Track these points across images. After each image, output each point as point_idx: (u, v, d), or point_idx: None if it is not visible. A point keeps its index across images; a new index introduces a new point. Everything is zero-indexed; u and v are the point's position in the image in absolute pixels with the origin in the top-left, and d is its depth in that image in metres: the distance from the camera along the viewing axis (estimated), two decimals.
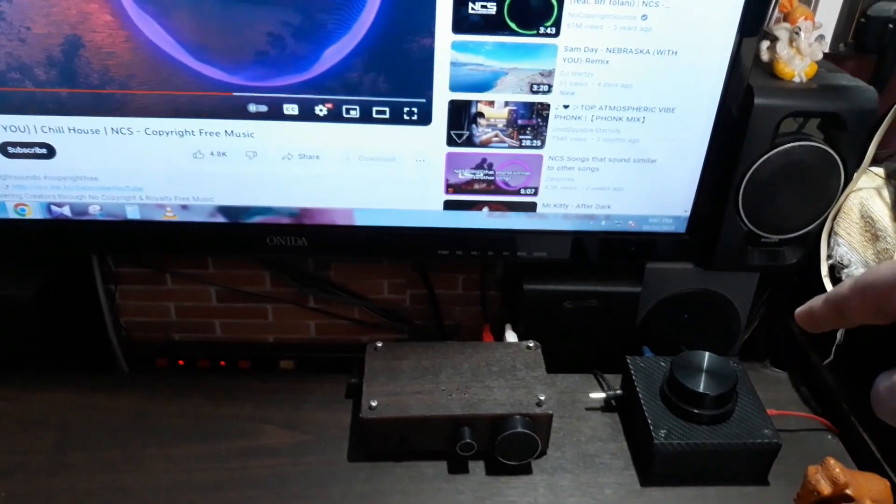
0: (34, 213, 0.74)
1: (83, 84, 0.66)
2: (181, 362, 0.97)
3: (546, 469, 0.73)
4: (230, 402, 0.79)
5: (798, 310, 0.40)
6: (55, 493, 0.68)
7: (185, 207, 0.74)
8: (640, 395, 0.74)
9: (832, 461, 0.65)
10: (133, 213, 0.75)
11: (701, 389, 0.70)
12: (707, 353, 0.73)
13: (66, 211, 0.74)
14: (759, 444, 0.70)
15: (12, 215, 0.74)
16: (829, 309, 0.38)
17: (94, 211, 0.74)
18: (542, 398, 0.71)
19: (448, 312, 0.96)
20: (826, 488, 0.64)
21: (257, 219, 0.75)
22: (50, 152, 0.70)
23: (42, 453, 0.72)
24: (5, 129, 0.69)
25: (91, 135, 0.69)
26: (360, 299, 0.94)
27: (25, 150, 0.70)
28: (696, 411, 0.71)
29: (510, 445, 0.70)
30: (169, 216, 0.75)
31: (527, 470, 0.72)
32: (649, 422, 0.71)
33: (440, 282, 0.94)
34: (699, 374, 0.72)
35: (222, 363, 0.97)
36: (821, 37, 0.71)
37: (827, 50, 0.72)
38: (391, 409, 0.70)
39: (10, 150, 0.70)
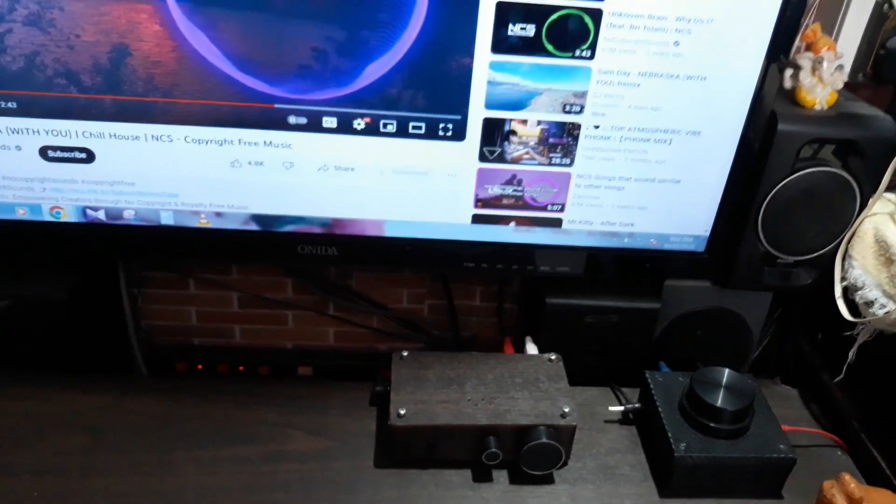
0: (69, 216, 0.75)
1: (127, 91, 0.68)
2: (200, 367, 0.98)
3: (568, 479, 0.75)
4: (255, 407, 0.80)
5: None
6: (87, 493, 0.69)
7: (219, 215, 0.76)
8: (659, 409, 0.76)
9: (847, 476, 0.67)
10: (167, 219, 0.76)
11: (720, 404, 0.73)
12: (726, 370, 0.75)
13: (101, 215, 0.75)
14: (774, 459, 0.72)
15: (47, 218, 0.75)
16: None
17: (129, 216, 0.76)
18: (567, 410, 0.73)
19: (465, 323, 0.98)
20: (841, 503, 0.66)
21: (289, 227, 0.77)
22: (89, 157, 0.72)
23: (73, 455, 0.73)
24: (47, 133, 0.70)
25: (131, 141, 0.71)
26: (380, 308, 0.96)
27: (65, 155, 0.71)
28: (714, 425, 0.73)
29: (535, 455, 0.72)
30: (203, 223, 0.76)
31: (549, 480, 0.74)
32: (669, 434, 0.73)
33: (458, 293, 0.95)
34: (718, 389, 0.74)
35: (241, 368, 0.98)
36: (841, 66, 0.74)
37: (847, 79, 0.74)
38: (419, 417, 0.72)
39: (50, 153, 0.71)
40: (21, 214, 0.75)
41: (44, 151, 0.71)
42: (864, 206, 0.77)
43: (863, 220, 0.78)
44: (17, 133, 0.70)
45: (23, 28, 0.64)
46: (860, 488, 0.67)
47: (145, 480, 0.71)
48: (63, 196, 0.74)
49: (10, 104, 0.68)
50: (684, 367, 0.83)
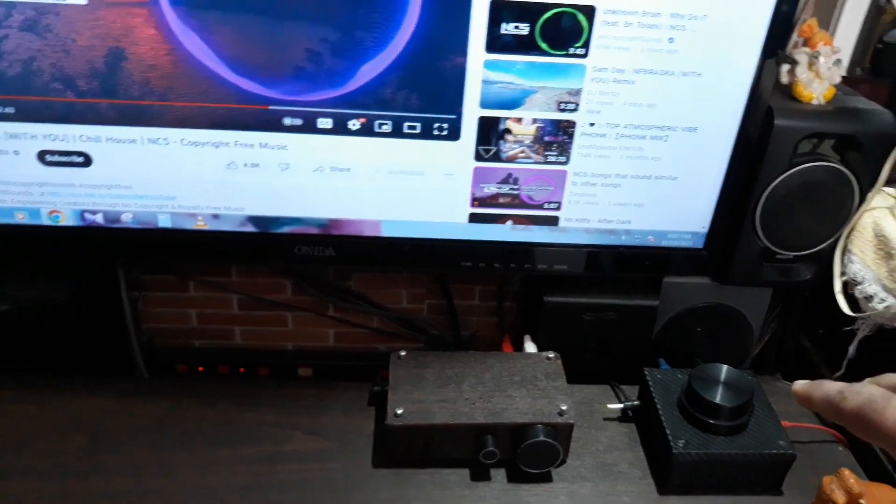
0: (67, 219, 0.76)
1: (123, 95, 0.68)
2: (201, 368, 0.98)
3: (566, 477, 0.74)
4: (254, 409, 0.80)
5: (799, 387, 0.44)
6: (87, 494, 0.70)
7: (216, 217, 0.76)
8: (658, 406, 0.76)
9: (847, 472, 0.67)
10: (165, 222, 0.76)
11: (718, 401, 0.72)
12: (724, 366, 0.75)
13: (100, 218, 0.76)
14: (774, 455, 0.72)
15: (46, 222, 0.76)
16: (826, 408, 0.42)
17: (127, 219, 0.76)
18: (564, 408, 0.73)
19: (464, 323, 0.98)
20: (841, 498, 0.66)
21: (286, 229, 0.77)
22: (87, 161, 0.72)
23: (73, 456, 0.73)
24: (44, 137, 0.70)
25: (128, 144, 0.71)
26: (379, 308, 0.96)
27: (62, 159, 0.72)
28: (713, 422, 0.73)
29: (532, 454, 0.72)
30: (200, 225, 0.77)
31: (547, 478, 0.74)
32: (668, 432, 0.73)
33: (458, 293, 0.95)
34: (717, 385, 0.74)
35: (241, 370, 0.99)
36: (838, 61, 0.73)
37: (844, 74, 0.74)
38: (416, 416, 0.72)
39: (48, 158, 0.72)
40: (20, 219, 0.75)
41: (42, 156, 0.72)
42: (863, 200, 0.77)
43: (862, 215, 0.77)
44: (15, 138, 0.70)
45: (19, 34, 0.64)
46: (860, 483, 0.67)
47: (144, 481, 0.71)
48: (61, 200, 0.75)
49: (7, 109, 0.69)
50: (685, 365, 0.82)
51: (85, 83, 0.67)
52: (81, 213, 0.76)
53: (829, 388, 0.44)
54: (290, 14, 0.65)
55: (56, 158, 0.72)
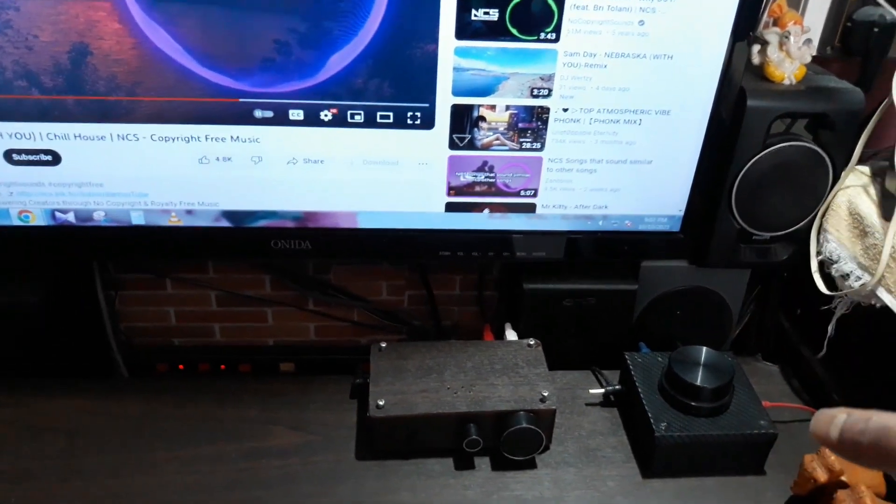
0: (38, 219, 0.75)
1: (90, 91, 0.67)
2: (181, 367, 0.97)
3: (550, 463, 0.75)
4: (235, 405, 0.80)
5: (817, 424, 0.38)
6: (66, 498, 0.69)
7: (190, 212, 0.75)
8: (639, 390, 0.76)
9: (828, 450, 0.67)
10: (138, 219, 0.75)
11: (699, 383, 0.73)
12: (704, 348, 0.75)
13: (71, 217, 0.75)
14: (755, 435, 0.72)
15: (16, 222, 0.75)
16: (846, 448, 0.37)
17: (99, 217, 0.75)
18: (546, 394, 0.73)
19: (446, 313, 0.98)
20: (822, 475, 0.67)
21: (262, 223, 0.76)
22: (55, 159, 0.71)
23: (51, 459, 0.73)
24: (10, 136, 0.69)
25: (97, 141, 0.70)
26: (360, 301, 0.96)
27: (30, 157, 0.71)
28: (694, 404, 0.73)
29: (515, 441, 0.71)
30: (174, 221, 0.76)
31: (531, 465, 0.74)
32: (649, 415, 0.73)
33: (438, 283, 0.95)
34: (697, 367, 0.74)
35: (222, 367, 0.98)
36: (808, 40, 0.73)
37: (815, 53, 0.74)
38: (398, 407, 0.71)
39: (15, 157, 0.70)
40: None
41: (8, 155, 0.70)
42: (837, 179, 0.77)
43: (836, 194, 0.78)
44: None
45: None
46: (840, 461, 0.67)
47: (125, 482, 0.71)
48: (31, 199, 0.73)
49: None
50: (665, 348, 0.82)
51: (50, 80, 0.66)
52: (52, 213, 0.74)
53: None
54: (257, 4, 0.64)
55: (24, 157, 0.71)
